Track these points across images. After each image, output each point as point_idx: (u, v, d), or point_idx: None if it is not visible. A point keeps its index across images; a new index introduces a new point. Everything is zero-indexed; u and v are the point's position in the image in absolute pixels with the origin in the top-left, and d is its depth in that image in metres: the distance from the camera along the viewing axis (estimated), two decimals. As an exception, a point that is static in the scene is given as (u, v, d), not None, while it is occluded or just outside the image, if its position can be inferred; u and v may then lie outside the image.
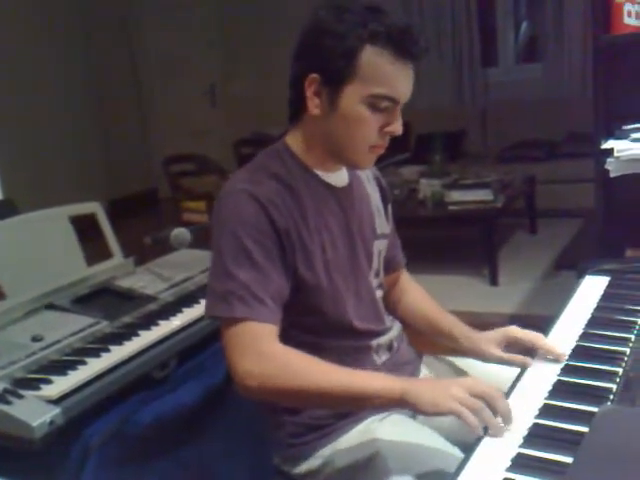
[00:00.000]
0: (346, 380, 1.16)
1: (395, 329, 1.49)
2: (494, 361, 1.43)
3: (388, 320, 1.48)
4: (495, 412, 1.07)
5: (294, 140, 1.34)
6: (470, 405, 1.06)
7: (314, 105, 1.26)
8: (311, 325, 1.33)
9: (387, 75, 1.22)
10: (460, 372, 1.52)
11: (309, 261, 1.29)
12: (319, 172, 1.35)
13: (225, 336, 1.21)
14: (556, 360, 1.30)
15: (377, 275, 1.46)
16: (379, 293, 1.47)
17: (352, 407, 1.27)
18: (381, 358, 1.41)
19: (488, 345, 1.44)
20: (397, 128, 1.27)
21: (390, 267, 1.56)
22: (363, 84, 1.22)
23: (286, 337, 1.24)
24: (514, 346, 1.43)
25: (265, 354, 1.18)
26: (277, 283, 1.23)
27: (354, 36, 1.20)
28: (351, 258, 1.37)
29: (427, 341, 1.57)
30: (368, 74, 1.21)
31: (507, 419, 1.07)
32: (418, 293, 1.61)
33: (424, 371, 1.53)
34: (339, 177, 1.38)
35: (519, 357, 1.36)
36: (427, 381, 1.19)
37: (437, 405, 1.08)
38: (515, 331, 1.43)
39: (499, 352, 1.42)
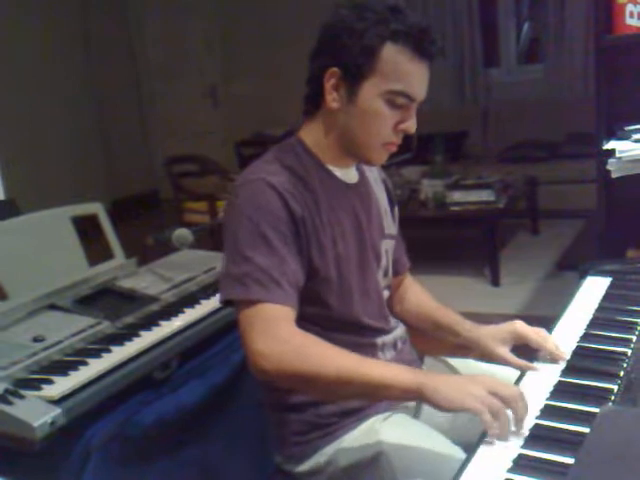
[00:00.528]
0: (364, 367, 1.15)
1: (399, 329, 1.49)
2: (497, 360, 1.42)
3: (393, 320, 1.48)
4: (514, 413, 1.06)
5: (308, 134, 1.36)
6: (489, 404, 1.05)
7: (332, 99, 1.28)
8: (318, 317, 1.33)
9: (405, 72, 1.25)
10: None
11: (322, 252, 1.30)
12: (331, 167, 1.36)
13: (241, 319, 1.21)
14: (548, 370, 1.28)
15: (385, 274, 1.46)
16: (386, 293, 1.47)
17: (368, 396, 1.25)
18: (386, 356, 1.42)
19: (494, 343, 1.42)
20: (411, 126, 1.30)
21: (395, 270, 1.56)
22: (382, 80, 1.25)
23: None
24: (519, 340, 1.41)
25: (282, 336, 1.17)
26: (293, 268, 1.24)
27: (376, 33, 1.23)
28: (360, 255, 1.38)
29: (430, 340, 1.57)
30: (387, 70, 1.24)
31: (523, 421, 1.06)
32: (419, 292, 1.62)
33: None
34: (350, 174, 1.40)
35: (523, 362, 1.34)
36: (446, 376, 1.17)
37: (453, 401, 1.07)
38: (522, 328, 1.40)
39: (504, 352, 1.41)
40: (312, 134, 1.35)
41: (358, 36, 1.24)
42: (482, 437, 1.06)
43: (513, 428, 1.05)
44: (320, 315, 1.34)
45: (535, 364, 1.31)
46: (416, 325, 1.57)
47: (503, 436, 1.04)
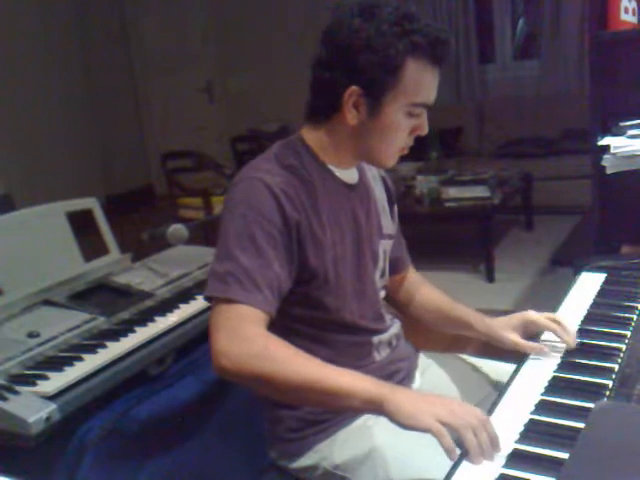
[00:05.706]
0: (328, 375, 1.12)
1: (395, 327, 1.49)
2: (510, 346, 1.42)
3: (388, 319, 1.48)
4: (478, 440, 1.01)
5: (313, 138, 1.33)
6: (450, 425, 1.02)
7: (352, 116, 1.26)
8: (313, 319, 1.33)
9: (426, 84, 1.26)
10: (455, 370, 1.54)
11: (320, 254, 1.28)
12: (333, 168, 1.35)
13: (213, 315, 1.18)
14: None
15: (382, 275, 1.45)
16: (382, 294, 1.47)
17: (329, 403, 1.20)
18: (381, 355, 1.42)
19: (505, 330, 1.44)
20: (426, 129, 1.32)
21: (396, 268, 1.56)
22: (405, 95, 1.25)
23: (288, 330, 1.23)
24: (530, 328, 1.42)
25: (247, 337, 1.14)
26: (277, 274, 1.21)
27: (396, 50, 1.21)
28: (357, 256, 1.37)
29: (425, 336, 1.57)
30: (410, 85, 1.24)
31: (494, 448, 1.02)
32: (428, 289, 1.61)
33: (418, 379, 1.52)
34: (351, 175, 1.39)
35: (532, 344, 1.37)
36: (411, 392, 1.14)
37: (415, 419, 1.04)
38: (534, 315, 1.43)
39: (516, 337, 1.42)
40: (318, 138, 1.33)
41: (378, 54, 1.21)
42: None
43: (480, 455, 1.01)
44: (316, 317, 1.33)
45: (531, 362, 1.31)
46: (429, 321, 1.58)
47: (474, 458, 1.00)
